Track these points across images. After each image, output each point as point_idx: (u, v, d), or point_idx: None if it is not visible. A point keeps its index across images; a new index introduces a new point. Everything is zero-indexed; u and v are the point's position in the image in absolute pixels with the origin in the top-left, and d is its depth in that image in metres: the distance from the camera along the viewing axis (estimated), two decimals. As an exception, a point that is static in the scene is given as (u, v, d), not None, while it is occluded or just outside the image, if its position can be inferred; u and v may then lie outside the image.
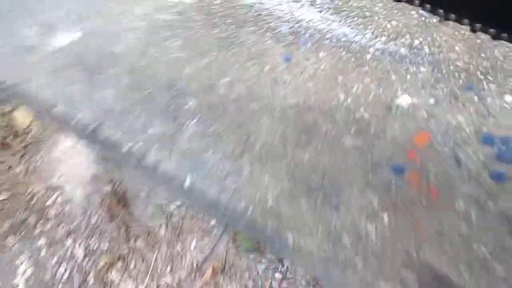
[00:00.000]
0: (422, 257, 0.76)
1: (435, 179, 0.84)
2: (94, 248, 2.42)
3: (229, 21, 1.05)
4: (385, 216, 0.81)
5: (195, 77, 1.00)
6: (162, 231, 2.48)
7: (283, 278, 0.78)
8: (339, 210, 0.83)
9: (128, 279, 2.29)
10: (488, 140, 0.86)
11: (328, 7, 1.02)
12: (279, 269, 0.82)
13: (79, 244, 2.40)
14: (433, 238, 0.78)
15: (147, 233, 2.51)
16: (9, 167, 2.57)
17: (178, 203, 0.92)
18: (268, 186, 0.87)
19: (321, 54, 0.99)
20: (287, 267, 0.82)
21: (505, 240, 0.76)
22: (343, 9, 0.99)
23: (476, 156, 0.85)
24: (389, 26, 0.98)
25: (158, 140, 0.94)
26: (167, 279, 2.36)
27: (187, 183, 0.90)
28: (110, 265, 2.34)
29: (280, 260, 0.85)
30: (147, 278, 2.35)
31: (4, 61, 1.02)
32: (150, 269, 2.35)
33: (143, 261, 2.40)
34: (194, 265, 2.49)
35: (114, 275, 2.40)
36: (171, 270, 2.32)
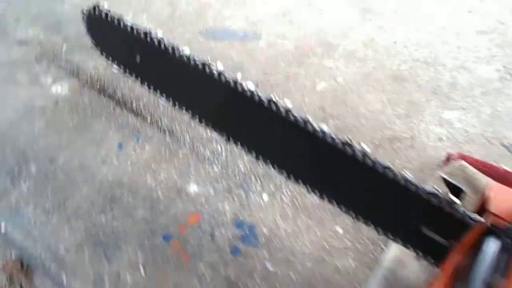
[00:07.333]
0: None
1: (191, 247, 1.13)
2: None
3: (89, 109, 1.39)
4: (142, 268, 1.08)
5: (49, 147, 1.29)
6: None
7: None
8: (111, 262, 1.09)
9: None
10: (239, 225, 1.18)
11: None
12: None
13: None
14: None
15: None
16: None
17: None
18: (65, 237, 1.13)
19: (146, 147, 1.33)
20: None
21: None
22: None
23: (227, 235, 1.16)
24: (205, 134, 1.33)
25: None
26: None
27: (2, 229, 1.14)
28: None
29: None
30: None
31: None
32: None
33: None
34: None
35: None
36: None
